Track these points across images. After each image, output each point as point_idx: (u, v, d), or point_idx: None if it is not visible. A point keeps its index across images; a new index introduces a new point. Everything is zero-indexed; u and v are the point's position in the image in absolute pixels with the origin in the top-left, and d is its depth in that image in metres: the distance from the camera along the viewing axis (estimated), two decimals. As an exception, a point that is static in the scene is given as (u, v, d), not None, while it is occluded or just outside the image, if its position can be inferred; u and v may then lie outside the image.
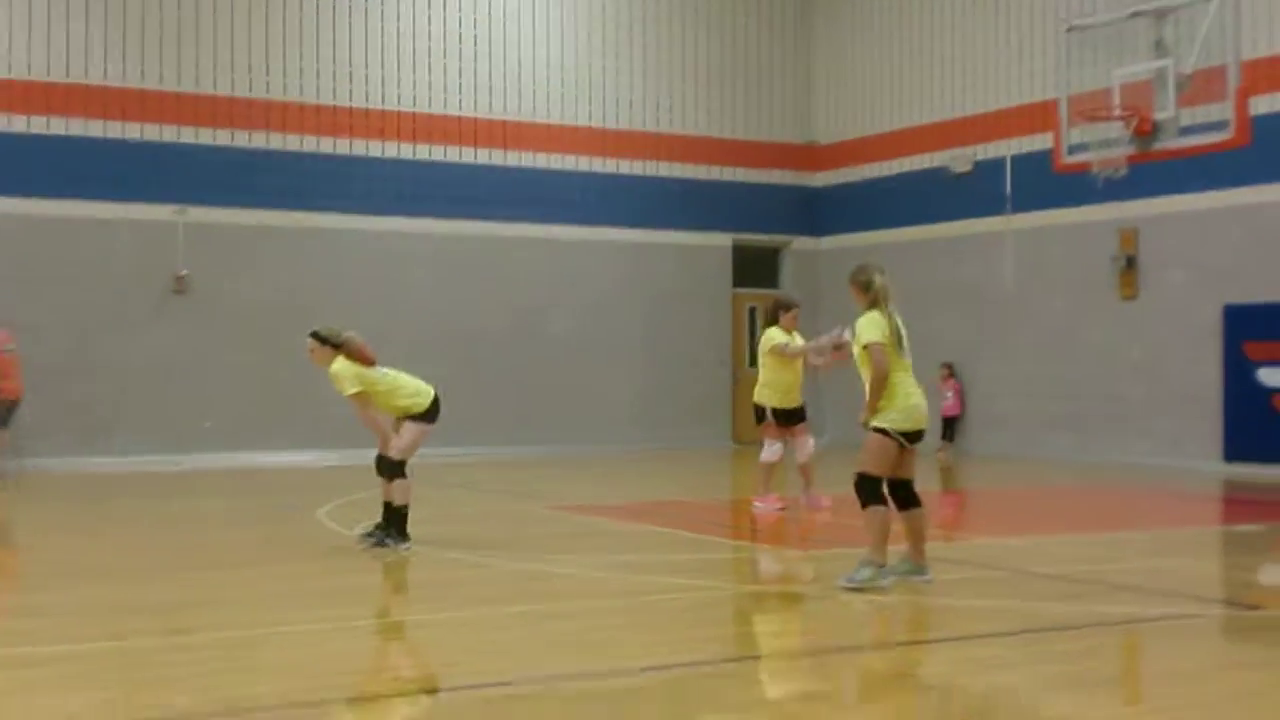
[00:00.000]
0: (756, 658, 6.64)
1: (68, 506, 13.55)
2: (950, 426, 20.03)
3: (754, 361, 22.94)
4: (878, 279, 8.19)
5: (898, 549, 8.36)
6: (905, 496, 8.22)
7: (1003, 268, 19.82)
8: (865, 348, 8.05)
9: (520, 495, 14.18)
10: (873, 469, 8.04)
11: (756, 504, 12.37)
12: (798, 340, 12.29)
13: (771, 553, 10.46)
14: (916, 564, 8.28)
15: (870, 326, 8.09)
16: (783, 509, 12.16)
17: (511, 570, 9.07)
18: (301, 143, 19.17)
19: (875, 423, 8.00)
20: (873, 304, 8.14)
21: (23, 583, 9.23)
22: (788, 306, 12.43)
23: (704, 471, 18.05)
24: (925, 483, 16.05)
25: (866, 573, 8.04)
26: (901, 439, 8.06)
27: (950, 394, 20.00)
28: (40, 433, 17.15)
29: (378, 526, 10.03)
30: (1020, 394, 19.50)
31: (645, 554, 9.96)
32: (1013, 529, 11.85)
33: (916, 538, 8.27)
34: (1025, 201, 19.39)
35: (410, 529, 9.97)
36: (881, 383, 7.98)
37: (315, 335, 9.85)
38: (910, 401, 8.11)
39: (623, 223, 21.24)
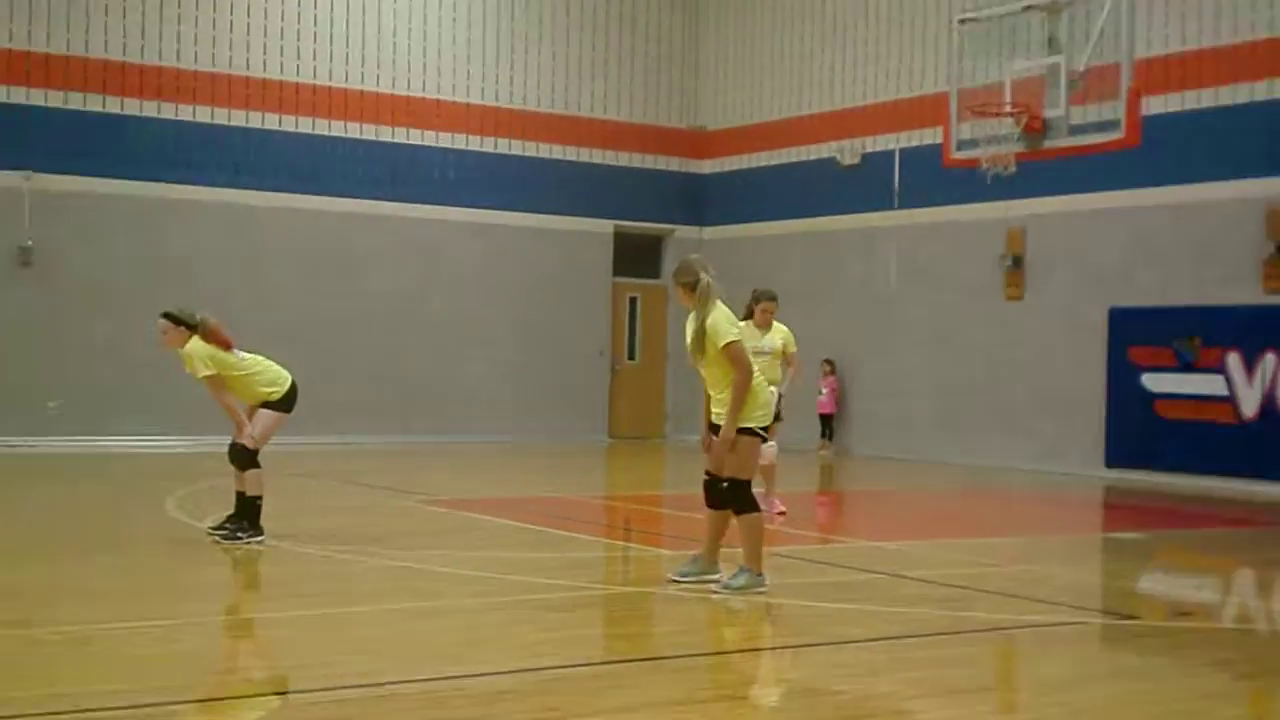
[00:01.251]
0: (627, 661, 6.70)
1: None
2: (828, 424, 20.33)
3: (632, 356, 23.03)
4: (704, 276, 8.22)
5: (691, 551, 8.55)
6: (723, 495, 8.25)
7: (888, 264, 20.13)
8: (725, 348, 8.07)
9: (391, 488, 14.13)
10: (747, 472, 8.17)
11: (782, 509, 12.15)
12: (775, 340, 11.94)
13: (647, 552, 10.54)
14: (711, 561, 8.41)
15: (727, 325, 8.12)
16: (783, 513, 12.14)
17: (375, 566, 9.03)
18: (159, 109, 18.79)
19: (744, 424, 8.09)
20: (704, 301, 8.15)
21: None
22: (759, 299, 12.10)
23: (580, 467, 18.10)
24: (804, 481, 16.51)
25: (743, 578, 8.17)
26: (763, 434, 8.20)
27: (825, 391, 20.29)
28: None
29: (229, 518, 9.95)
30: (902, 393, 19.84)
31: (519, 551, 9.99)
32: (888, 532, 12.05)
33: (720, 538, 8.38)
34: (913, 197, 19.69)
35: (270, 522, 9.90)
36: (749, 383, 8.06)
37: (168, 316, 9.73)
38: (765, 395, 8.25)
39: (503, 205, 21.18)
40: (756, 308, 12.01)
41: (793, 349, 11.99)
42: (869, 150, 20.41)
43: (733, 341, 8.08)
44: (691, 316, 8.26)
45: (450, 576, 8.68)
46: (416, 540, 10.37)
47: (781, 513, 12.12)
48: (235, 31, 19.34)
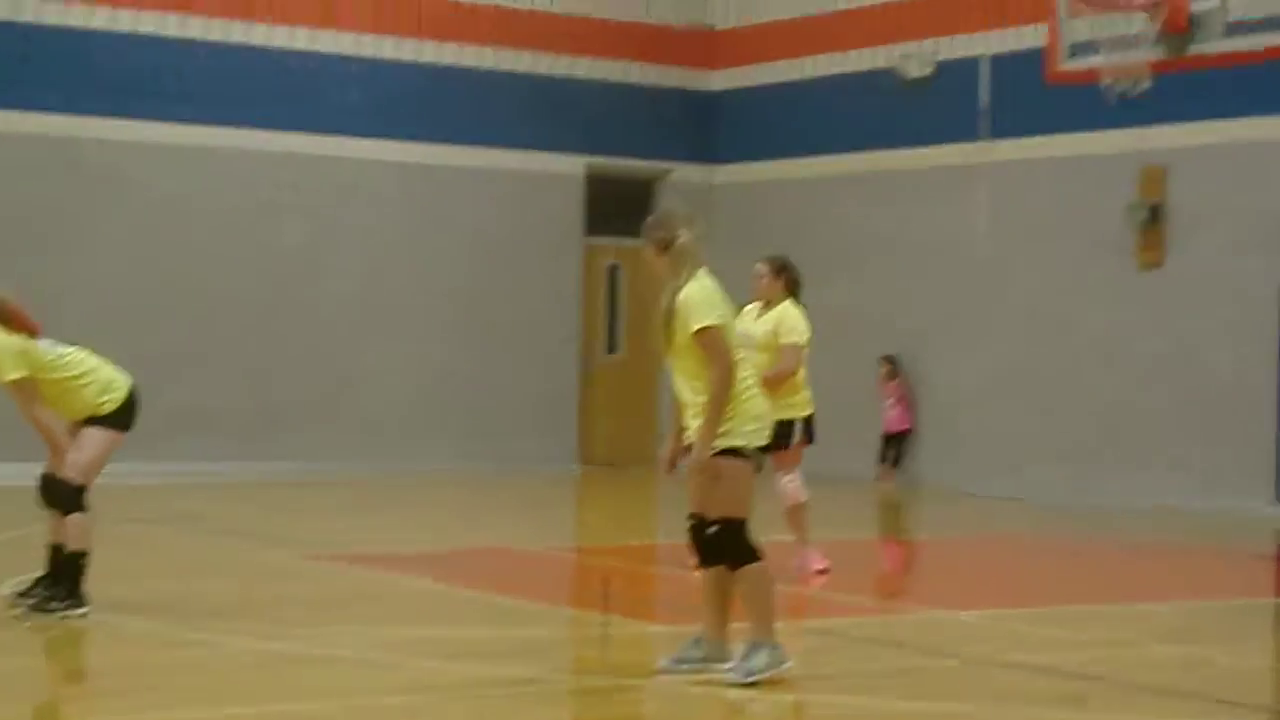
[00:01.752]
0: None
1: None
2: (895, 446, 20.31)
3: (614, 347, 23.11)
4: (683, 233, 8.29)
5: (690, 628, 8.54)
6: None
7: (974, 219, 20.10)
8: (698, 334, 8.11)
9: (262, 536, 14.19)
10: (740, 510, 8.17)
11: (821, 566, 12.18)
12: (763, 325, 12.11)
13: (629, 627, 10.51)
14: (718, 644, 8.38)
15: (703, 304, 8.16)
16: (824, 570, 12.14)
17: (242, 651, 9.01)
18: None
19: (724, 442, 8.09)
20: (679, 268, 8.22)
21: None
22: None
23: (536, 504, 18.09)
24: (856, 526, 16.42)
25: (761, 658, 8.15)
26: (760, 458, 8.22)
27: (893, 401, 20.27)
28: None
29: (39, 582, 9.94)
30: (994, 402, 19.80)
31: (446, 627, 10.00)
32: (973, 597, 12.03)
33: (725, 608, 8.38)
34: (1008, 124, 19.61)
35: (94, 586, 9.87)
36: (729, 384, 8.08)
37: None
38: (761, 404, 8.31)
39: (425, 135, 21.11)
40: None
41: (790, 339, 11.95)
42: (944, 58, 20.35)
43: (709, 327, 8.09)
44: (665, 289, 8.30)
45: (351, 664, 8.68)
46: (300, 612, 10.37)
47: (822, 570, 12.10)
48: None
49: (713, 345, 8.09)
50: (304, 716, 7.57)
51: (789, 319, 12.06)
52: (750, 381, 8.28)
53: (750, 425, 8.18)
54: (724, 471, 8.10)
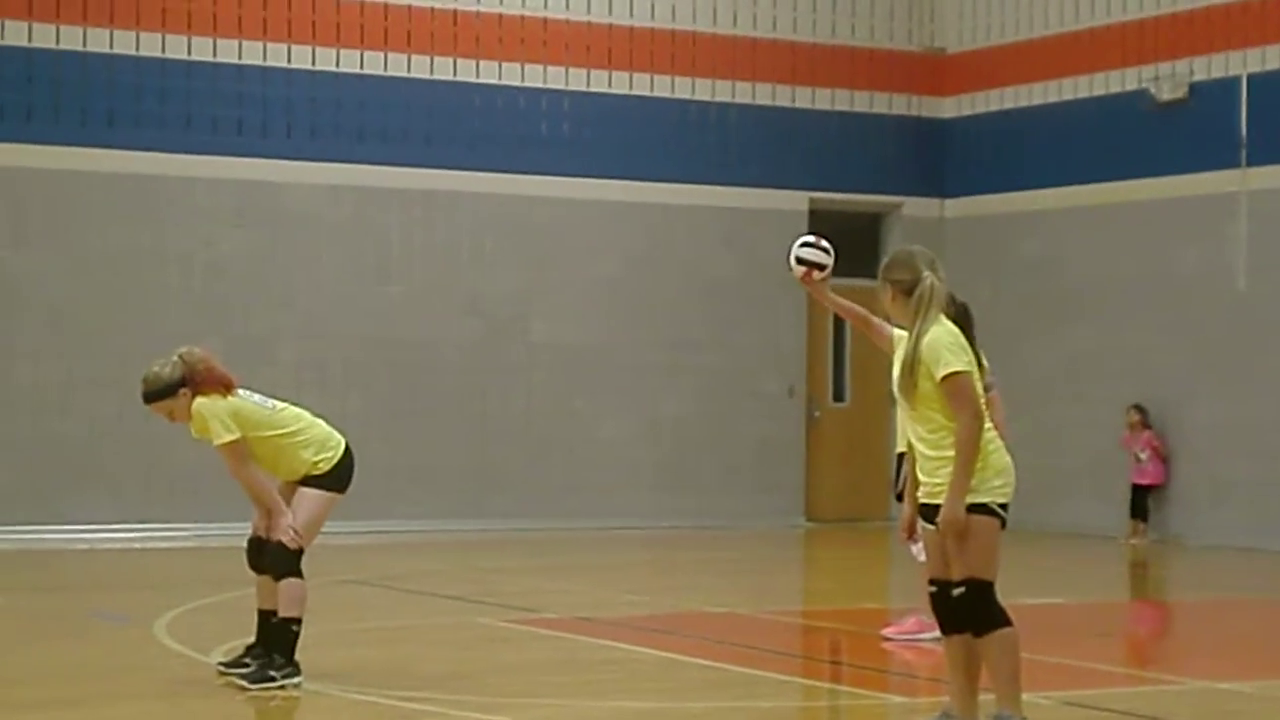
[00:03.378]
0: None
1: None
2: (1144, 500, 20.06)
3: (840, 395, 22.92)
4: (928, 275, 8.27)
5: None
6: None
7: (1233, 252, 19.85)
8: (946, 380, 8.10)
9: (474, 598, 14.31)
10: (988, 571, 8.13)
11: (889, 632, 12.28)
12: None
13: (868, 700, 10.50)
14: (966, 717, 8.34)
15: (950, 349, 8.15)
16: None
17: (460, 723, 9.16)
18: (111, 40, 19.22)
19: (971, 498, 8.09)
20: (922, 312, 8.21)
21: None
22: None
23: (759, 565, 18.10)
24: (1105, 585, 16.23)
25: (1011, 734, 8.13)
26: (1004, 515, 8.17)
27: (1146, 454, 20.03)
28: None
29: (251, 650, 10.14)
30: (1258, 450, 19.52)
31: (671, 699, 10.03)
32: (1248, 666, 11.79)
33: (973, 678, 8.34)
34: (1268, 149, 19.42)
35: (305, 654, 10.03)
36: (978, 434, 8.07)
37: (150, 398, 9.97)
38: (1005, 458, 8.27)
39: (638, 173, 21.32)
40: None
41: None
42: (1198, 78, 20.18)
43: (958, 373, 8.09)
44: (898, 335, 8.33)
45: None
46: (517, 682, 10.50)
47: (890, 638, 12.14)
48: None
49: (962, 393, 8.08)
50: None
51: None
52: (993, 434, 8.29)
53: (997, 480, 8.14)
54: (976, 528, 8.07)
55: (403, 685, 10.15)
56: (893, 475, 11.64)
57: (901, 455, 9.87)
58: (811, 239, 10.13)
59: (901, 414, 8.41)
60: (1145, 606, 16.17)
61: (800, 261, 10.06)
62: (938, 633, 11.81)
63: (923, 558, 11.91)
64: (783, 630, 13.55)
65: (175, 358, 9.97)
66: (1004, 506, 8.19)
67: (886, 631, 12.29)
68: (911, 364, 8.20)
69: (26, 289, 18.71)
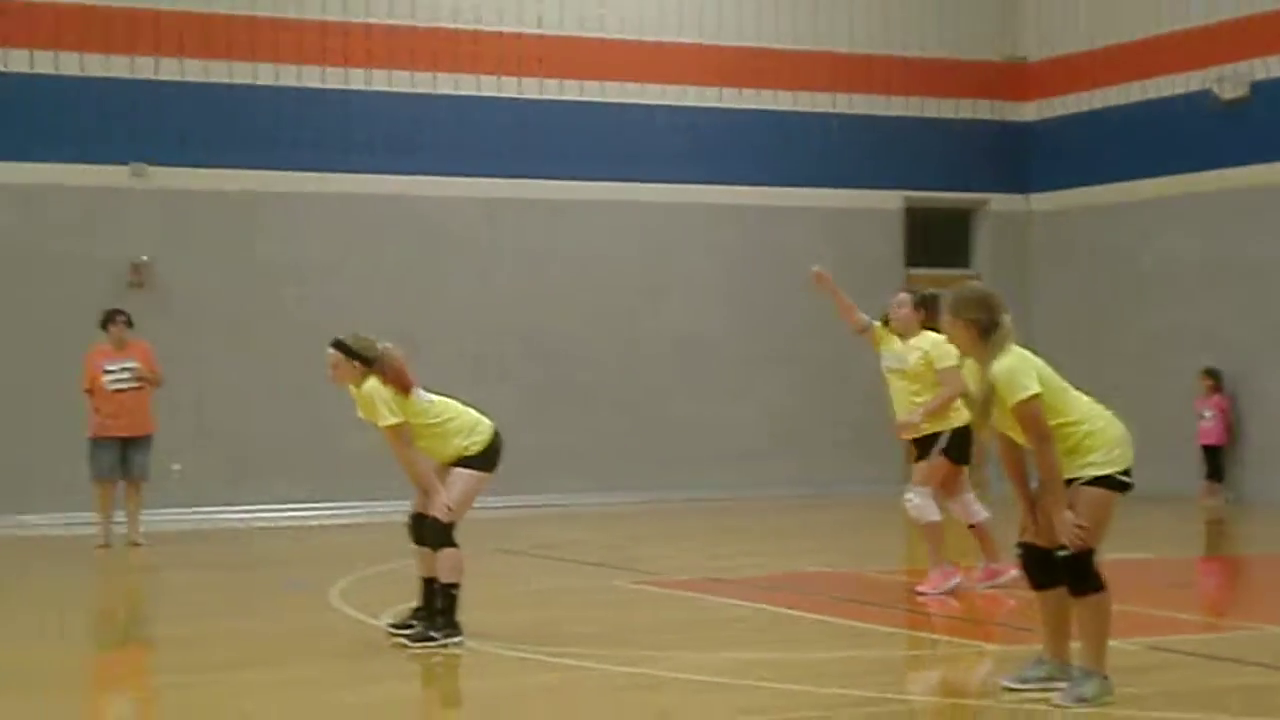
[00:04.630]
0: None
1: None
2: (1215, 460, 19.92)
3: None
4: (1006, 319, 8.27)
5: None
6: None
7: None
8: (1016, 406, 8.07)
9: (614, 566, 14.50)
10: (1096, 539, 8.13)
11: (923, 589, 12.27)
12: (912, 353, 12.31)
13: (963, 647, 10.57)
14: (1060, 664, 8.38)
15: (1023, 373, 8.10)
16: (928, 593, 12.19)
17: (605, 675, 9.32)
18: (277, 75, 19.62)
19: (1099, 470, 8.08)
20: (997, 352, 8.19)
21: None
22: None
23: (868, 529, 18.16)
24: (1180, 542, 16.14)
25: (1092, 687, 8.13)
26: (1127, 480, 8.16)
27: (1211, 413, 19.90)
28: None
29: (415, 613, 10.35)
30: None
31: (786, 650, 10.15)
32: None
33: (1065, 628, 8.39)
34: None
35: (465, 615, 10.23)
36: (1051, 449, 8.04)
37: (340, 346, 10.17)
38: (1117, 428, 8.25)
39: (744, 178, 21.41)
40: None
41: (946, 363, 11.71)
42: (1259, 77, 20.01)
43: (1028, 398, 8.06)
44: (968, 364, 8.37)
45: (700, 687, 8.93)
46: (649, 637, 10.67)
47: (923, 592, 12.12)
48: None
49: (1029, 418, 8.07)
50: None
51: (940, 344, 11.71)
52: (1100, 408, 8.28)
53: (1115, 450, 8.16)
54: (1093, 499, 8.08)
55: (553, 642, 10.31)
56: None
57: None
58: None
59: None
60: (1220, 561, 16.08)
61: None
62: (957, 580, 12.05)
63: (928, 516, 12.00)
64: (886, 586, 13.59)
65: (382, 345, 10.17)
66: (1126, 472, 8.15)
67: (920, 588, 12.26)
68: (988, 401, 8.23)
69: (205, 299, 19.16)
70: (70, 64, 18.87)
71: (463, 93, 20.37)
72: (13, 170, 18.58)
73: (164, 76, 19.17)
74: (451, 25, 20.37)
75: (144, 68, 19.14)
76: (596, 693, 8.96)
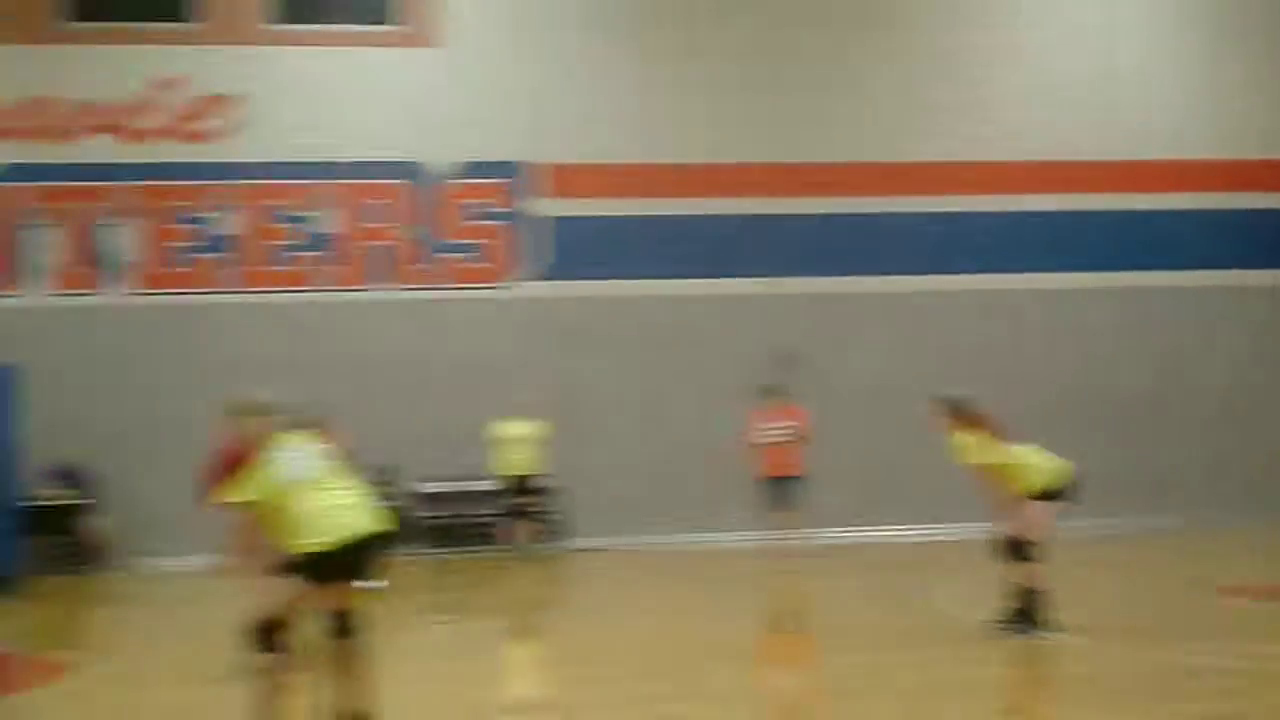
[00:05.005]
0: None
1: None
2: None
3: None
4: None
5: None
6: None
7: None
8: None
9: (1182, 577, 16.03)
10: None
11: None
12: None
13: None
14: None
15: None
16: None
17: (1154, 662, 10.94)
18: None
19: None
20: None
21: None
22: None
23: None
24: None
25: None
26: None
27: None
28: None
29: (1011, 612, 12.31)
30: None
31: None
32: None
33: None
34: None
35: (1059, 615, 12.10)
36: None
37: (946, 401, 12.21)
38: None
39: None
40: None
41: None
42: None
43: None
44: None
45: (1237, 674, 10.36)
46: (1201, 630, 12.20)
47: None
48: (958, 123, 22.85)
49: None
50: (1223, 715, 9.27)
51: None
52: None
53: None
54: None
55: (1122, 635, 12.02)
56: None
57: None
58: None
59: None
60: None
61: None
62: None
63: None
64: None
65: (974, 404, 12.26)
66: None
67: None
68: None
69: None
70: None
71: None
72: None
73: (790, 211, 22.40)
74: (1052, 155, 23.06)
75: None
76: (1151, 675, 10.45)
